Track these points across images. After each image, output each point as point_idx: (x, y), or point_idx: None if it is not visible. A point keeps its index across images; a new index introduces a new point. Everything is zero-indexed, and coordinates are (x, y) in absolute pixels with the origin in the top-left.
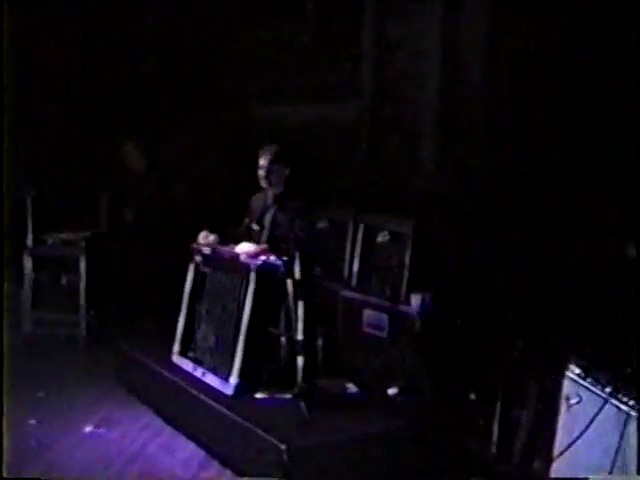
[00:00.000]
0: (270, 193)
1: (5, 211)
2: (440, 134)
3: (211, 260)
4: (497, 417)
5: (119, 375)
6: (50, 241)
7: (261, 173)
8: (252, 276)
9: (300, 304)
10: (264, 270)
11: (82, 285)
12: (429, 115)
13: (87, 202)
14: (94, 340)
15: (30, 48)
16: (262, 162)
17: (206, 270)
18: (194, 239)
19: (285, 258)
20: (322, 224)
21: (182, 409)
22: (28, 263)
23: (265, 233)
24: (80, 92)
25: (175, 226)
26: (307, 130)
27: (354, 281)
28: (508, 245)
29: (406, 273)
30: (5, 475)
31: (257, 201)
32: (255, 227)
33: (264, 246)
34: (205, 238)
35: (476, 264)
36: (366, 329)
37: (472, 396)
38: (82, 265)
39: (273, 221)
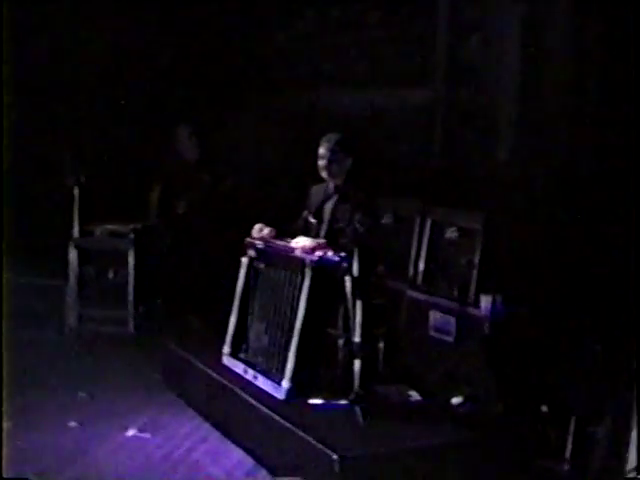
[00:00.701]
0: (330, 184)
1: (4, 208)
2: (518, 123)
3: (265, 255)
4: (571, 432)
5: (167, 376)
6: (97, 233)
7: (321, 163)
8: (307, 272)
9: (359, 304)
10: (321, 266)
11: (130, 280)
12: (507, 103)
13: (137, 192)
14: (142, 338)
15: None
16: (322, 151)
17: (259, 266)
18: (248, 233)
19: (343, 254)
20: (386, 218)
21: (231, 414)
22: (73, 256)
23: (324, 227)
24: (134, 75)
25: (229, 219)
26: (372, 117)
27: (420, 280)
28: (587, 243)
29: (475, 272)
30: (5, 475)
31: (316, 193)
32: (312, 220)
33: (321, 241)
34: (260, 231)
35: (551, 263)
36: (432, 332)
37: (544, 408)
38: (131, 259)
39: (332, 214)
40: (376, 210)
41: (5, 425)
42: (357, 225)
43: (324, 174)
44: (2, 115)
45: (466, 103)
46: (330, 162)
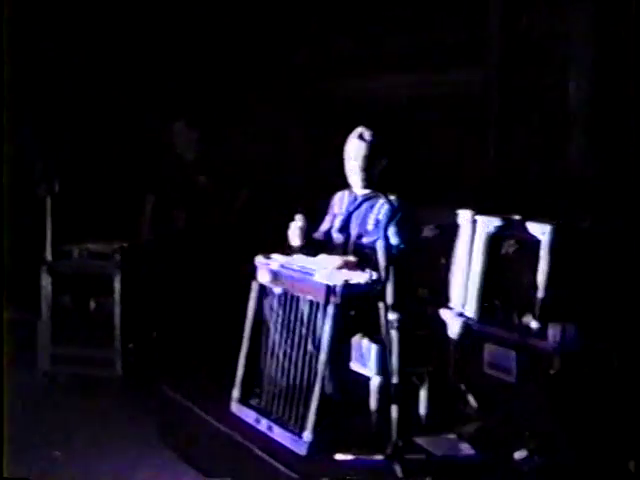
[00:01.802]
0: (359, 190)
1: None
2: (587, 115)
3: (280, 278)
4: None
5: (163, 429)
6: (76, 254)
7: (351, 165)
8: (332, 300)
9: (395, 336)
10: (348, 292)
11: (117, 311)
12: (575, 90)
13: (125, 203)
14: (132, 383)
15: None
16: (351, 151)
17: (274, 292)
18: (259, 251)
19: (375, 275)
20: (429, 231)
21: (242, 473)
22: (47, 283)
23: (351, 241)
24: (122, 64)
25: (236, 236)
26: (409, 107)
27: (471, 306)
28: None
29: (541, 295)
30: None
31: (341, 200)
32: (337, 235)
33: (350, 259)
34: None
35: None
36: (487, 370)
37: (631, 466)
38: (117, 285)
39: (362, 226)
40: (415, 221)
41: None
42: (392, 239)
43: (354, 178)
44: None
45: (523, 88)
46: (365, 164)
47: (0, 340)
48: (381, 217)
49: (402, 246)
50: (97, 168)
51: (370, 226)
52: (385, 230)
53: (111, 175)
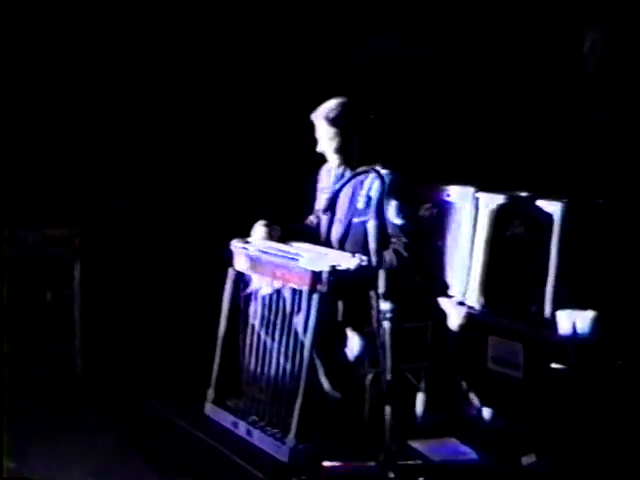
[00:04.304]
0: (342, 167)
1: None
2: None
3: (259, 266)
4: None
5: (129, 434)
6: (30, 239)
7: (319, 149)
8: (318, 288)
9: (387, 328)
10: (335, 280)
11: (77, 303)
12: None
13: (84, 184)
14: (93, 384)
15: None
16: (318, 133)
17: (253, 280)
18: (239, 234)
19: (365, 260)
20: (424, 210)
21: None
22: None
23: (339, 223)
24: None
25: (208, 215)
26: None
27: (473, 294)
28: None
29: (551, 280)
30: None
31: (328, 174)
32: (322, 214)
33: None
34: (261, 232)
35: None
36: (491, 365)
37: None
38: (76, 273)
39: (351, 204)
40: (411, 197)
41: None
42: (396, 220)
43: (330, 158)
44: None
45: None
46: (335, 145)
47: (0, 340)
48: (372, 194)
49: (409, 227)
50: (52, 143)
51: (360, 204)
52: (381, 209)
53: (68, 151)
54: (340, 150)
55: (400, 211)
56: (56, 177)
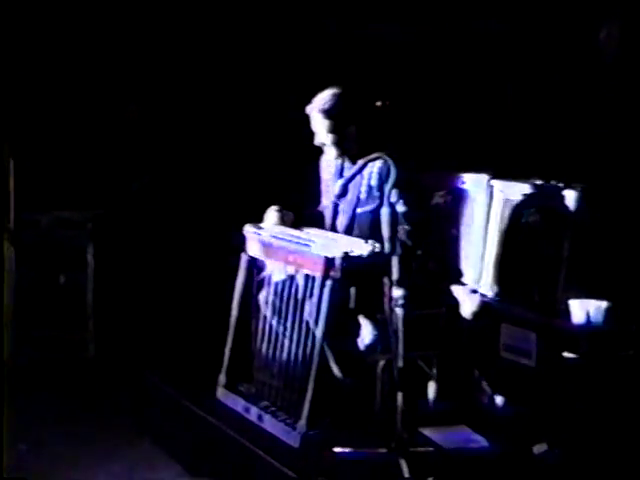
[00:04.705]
0: (341, 159)
1: None
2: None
3: (272, 251)
4: None
5: (141, 417)
6: (44, 222)
7: (317, 142)
8: (331, 274)
9: (399, 315)
10: (348, 266)
11: (90, 286)
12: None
13: (97, 166)
14: (106, 366)
15: None
16: (314, 125)
17: (265, 266)
18: (252, 219)
19: (378, 246)
20: (438, 198)
21: (228, 467)
22: (10, 254)
23: (343, 214)
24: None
25: (222, 199)
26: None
27: (487, 282)
28: None
29: (565, 269)
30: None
31: (329, 164)
32: (326, 204)
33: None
34: (274, 218)
35: None
36: (504, 353)
37: None
38: (90, 257)
39: (353, 194)
40: (420, 184)
41: None
42: (398, 207)
43: (329, 152)
44: None
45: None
46: (332, 138)
47: (1, 340)
48: (373, 182)
49: (410, 214)
50: (66, 128)
51: (363, 194)
52: (388, 196)
53: (82, 135)
54: (337, 142)
55: (399, 198)
56: (70, 161)
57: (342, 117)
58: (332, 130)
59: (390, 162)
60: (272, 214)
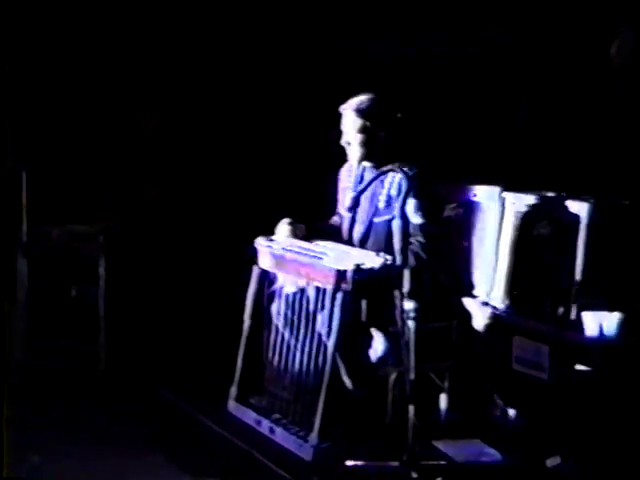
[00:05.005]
0: (364, 165)
1: None
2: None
3: (284, 263)
4: None
5: (152, 430)
6: (55, 235)
7: (346, 140)
8: (343, 286)
9: (411, 327)
10: (360, 279)
11: (101, 299)
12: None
13: (109, 179)
14: (117, 379)
15: None
16: (345, 124)
17: (277, 278)
18: (264, 231)
19: (390, 259)
20: (450, 210)
21: None
22: (23, 267)
23: (361, 223)
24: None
25: (234, 212)
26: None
27: (498, 294)
28: None
29: (577, 281)
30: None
31: (349, 173)
32: (347, 213)
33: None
34: (286, 231)
35: None
36: (516, 366)
37: None
38: (101, 269)
39: (371, 204)
40: (436, 196)
41: None
42: (414, 218)
43: (352, 154)
44: None
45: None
46: (361, 139)
47: (1, 339)
48: (393, 192)
49: (427, 226)
50: (79, 141)
51: (381, 203)
52: (402, 207)
53: (94, 149)
54: (365, 144)
55: (418, 210)
56: (81, 174)
57: (375, 120)
58: (362, 130)
59: (412, 173)
60: (283, 227)
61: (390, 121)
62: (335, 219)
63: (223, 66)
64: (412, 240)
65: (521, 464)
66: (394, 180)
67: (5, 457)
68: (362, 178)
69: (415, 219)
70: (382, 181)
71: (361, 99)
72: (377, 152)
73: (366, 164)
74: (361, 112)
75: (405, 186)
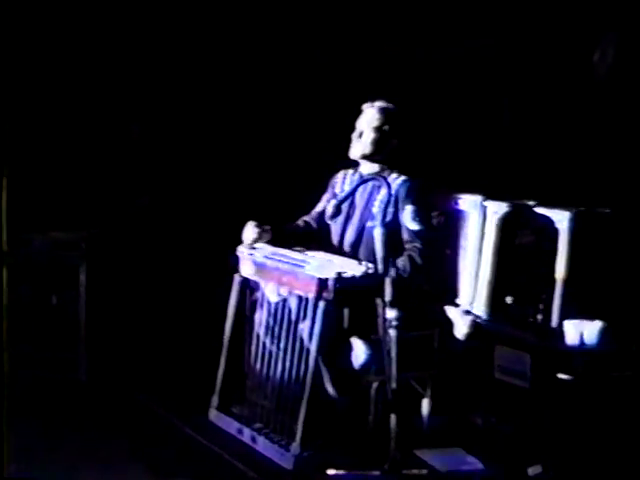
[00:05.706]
0: (365, 169)
1: None
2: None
3: (265, 272)
4: None
5: (133, 440)
6: (36, 242)
7: (359, 137)
8: (324, 295)
9: (393, 336)
10: (342, 287)
11: (82, 307)
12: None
13: (92, 185)
14: (98, 389)
15: None
16: (364, 121)
17: (258, 286)
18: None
19: (372, 267)
20: (433, 217)
21: None
22: (3, 274)
23: (353, 227)
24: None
25: (216, 220)
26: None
27: (480, 303)
28: None
29: (559, 289)
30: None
31: (344, 180)
32: (333, 221)
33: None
34: (253, 234)
35: None
36: (498, 375)
37: None
38: (82, 277)
39: (365, 209)
40: (428, 203)
41: None
42: (411, 225)
43: (355, 154)
44: None
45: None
46: (376, 136)
47: (1, 339)
48: (389, 200)
49: (424, 232)
50: (61, 146)
51: (375, 209)
52: (389, 216)
53: (75, 154)
54: (375, 143)
55: (416, 216)
56: (63, 181)
57: (393, 124)
58: (378, 130)
59: (409, 181)
60: (250, 229)
61: (406, 134)
62: (304, 219)
63: (210, 75)
64: (409, 246)
65: (503, 473)
66: (392, 186)
67: (5, 457)
68: (362, 183)
69: (413, 225)
70: (379, 187)
71: (388, 104)
72: (383, 156)
73: (363, 170)
74: (384, 113)
75: (404, 192)
